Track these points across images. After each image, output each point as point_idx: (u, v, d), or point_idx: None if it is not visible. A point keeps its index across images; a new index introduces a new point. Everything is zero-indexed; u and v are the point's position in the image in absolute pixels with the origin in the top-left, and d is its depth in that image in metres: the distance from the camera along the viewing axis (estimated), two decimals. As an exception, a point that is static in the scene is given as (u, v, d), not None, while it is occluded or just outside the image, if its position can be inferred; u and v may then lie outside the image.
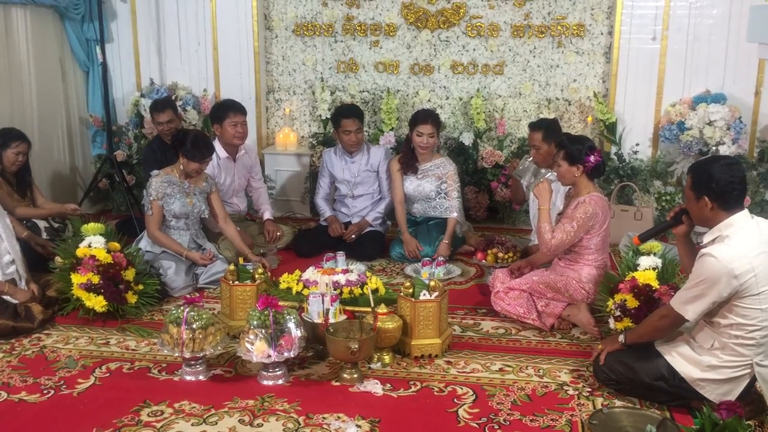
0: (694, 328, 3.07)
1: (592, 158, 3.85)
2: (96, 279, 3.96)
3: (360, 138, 5.21)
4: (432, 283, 3.62)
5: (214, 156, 5.01)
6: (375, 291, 3.84)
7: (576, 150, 3.85)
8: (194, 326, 3.32)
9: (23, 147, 4.74)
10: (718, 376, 2.92)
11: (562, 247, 3.91)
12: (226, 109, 5.02)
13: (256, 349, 3.27)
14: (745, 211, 2.92)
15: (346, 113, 5.20)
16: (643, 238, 3.43)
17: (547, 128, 4.69)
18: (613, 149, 5.83)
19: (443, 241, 5.00)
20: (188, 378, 3.38)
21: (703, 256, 2.85)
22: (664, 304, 3.20)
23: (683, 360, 3.00)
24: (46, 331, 3.90)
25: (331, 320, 3.47)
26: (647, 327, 3.13)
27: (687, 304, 2.90)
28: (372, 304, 3.51)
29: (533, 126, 4.78)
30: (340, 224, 5.27)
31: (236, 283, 3.83)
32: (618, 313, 3.55)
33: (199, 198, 4.56)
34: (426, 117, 5.03)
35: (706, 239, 2.95)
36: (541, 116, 5.89)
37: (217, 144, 5.08)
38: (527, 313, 3.96)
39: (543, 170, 4.71)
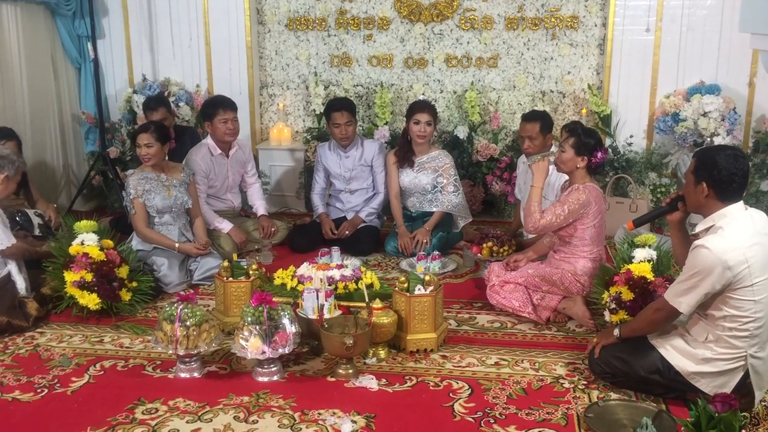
0: (689, 321, 3.07)
1: (599, 154, 3.87)
2: (89, 277, 3.94)
3: (350, 131, 5.18)
4: (427, 278, 3.60)
5: (207, 152, 5.01)
6: (370, 286, 3.82)
7: (587, 142, 3.86)
8: (188, 323, 3.31)
9: (11, 145, 4.67)
10: (712, 368, 2.92)
11: (549, 228, 3.92)
12: (216, 106, 4.99)
13: (251, 345, 3.25)
14: (740, 203, 2.91)
15: (335, 106, 5.18)
16: (638, 223, 3.40)
17: (543, 119, 4.71)
18: (608, 141, 5.82)
19: (423, 227, 5.01)
20: (183, 375, 3.36)
21: (696, 248, 2.85)
22: (660, 296, 3.19)
23: (678, 353, 3.00)
24: (40, 330, 3.89)
25: (326, 316, 3.46)
26: (642, 321, 3.13)
27: (680, 297, 2.90)
28: (367, 299, 3.50)
29: (529, 117, 4.78)
30: (331, 225, 5.24)
31: (230, 279, 3.81)
32: (613, 306, 3.55)
33: (180, 189, 4.54)
34: (423, 105, 5.05)
35: (698, 228, 2.95)
36: (535, 109, 5.89)
37: (209, 141, 5.06)
38: (523, 307, 3.95)
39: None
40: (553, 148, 4.50)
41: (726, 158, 2.87)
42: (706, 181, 2.89)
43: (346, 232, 5.17)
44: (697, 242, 2.87)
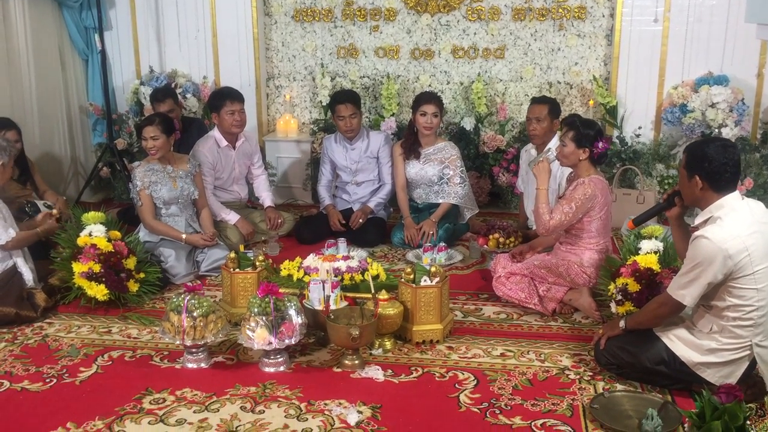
0: (694, 314, 3.07)
1: (600, 144, 3.85)
2: (97, 268, 3.97)
3: (355, 123, 5.18)
4: (433, 269, 3.61)
5: (214, 144, 5.02)
6: (376, 277, 3.84)
7: (587, 134, 3.85)
8: (195, 314, 3.33)
9: (11, 134, 4.65)
10: (717, 359, 2.93)
11: (560, 227, 3.90)
12: (223, 98, 5.00)
13: (257, 336, 3.27)
14: (736, 193, 2.93)
15: (339, 98, 5.18)
16: (638, 221, 3.45)
17: (552, 103, 4.77)
18: (615, 133, 5.80)
19: (429, 219, 5.01)
20: (190, 366, 3.38)
21: (696, 239, 2.86)
22: (666, 287, 3.19)
23: (683, 344, 3.00)
24: (48, 320, 3.92)
25: (332, 307, 3.47)
26: (647, 314, 3.14)
27: (683, 289, 2.90)
28: (373, 291, 3.51)
29: (538, 99, 4.87)
30: (339, 216, 5.23)
31: (237, 270, 3.82)
32: (619, 297, 3.55)
33: (186, 180, 4.56)
34: (429, 97, 5.05)
35: (697, 220, 2.97)
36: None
37: (216, 132, 5.07)
38: (529, 298, 3.96)
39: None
40: (553, 143, 4.51)
41: (716, 149, 2.89)
42: (698, 174, 2.92)
43: (360, 221, 5.17)
44: (696, 233, 2.89)
